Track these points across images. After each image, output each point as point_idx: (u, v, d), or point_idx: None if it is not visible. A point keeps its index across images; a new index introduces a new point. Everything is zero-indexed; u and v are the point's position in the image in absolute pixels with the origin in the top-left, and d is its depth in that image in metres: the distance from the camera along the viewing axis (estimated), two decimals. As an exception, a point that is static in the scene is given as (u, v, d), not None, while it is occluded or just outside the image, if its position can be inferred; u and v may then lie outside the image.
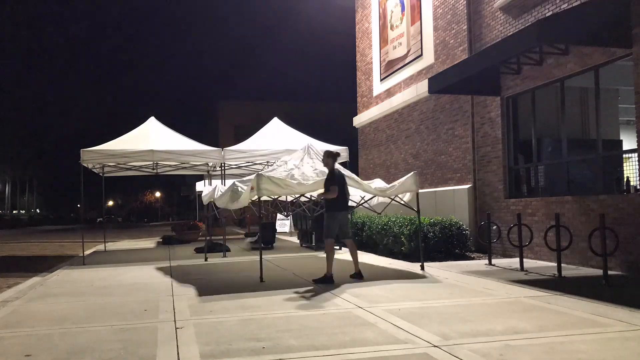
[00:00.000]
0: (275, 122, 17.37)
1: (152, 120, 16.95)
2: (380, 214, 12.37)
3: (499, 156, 13.02)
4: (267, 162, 17.74)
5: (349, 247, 9.77)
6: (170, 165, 18.01)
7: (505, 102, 12.91)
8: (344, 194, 9.43)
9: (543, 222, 11.31)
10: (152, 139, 15.29)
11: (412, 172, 10.72)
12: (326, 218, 9.40)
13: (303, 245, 17.66)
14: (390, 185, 10.84)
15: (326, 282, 9.08)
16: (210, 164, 17.34)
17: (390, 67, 19.18)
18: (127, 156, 14.32)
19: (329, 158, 9.49)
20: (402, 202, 11.09)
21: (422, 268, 10.54)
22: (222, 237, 15.53)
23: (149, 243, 22.65)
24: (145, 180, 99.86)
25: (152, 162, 17.31)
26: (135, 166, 17.64)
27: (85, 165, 14.27)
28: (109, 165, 17.12)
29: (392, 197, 10.91)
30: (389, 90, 19.36)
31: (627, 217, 9.38)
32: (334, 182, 9.32)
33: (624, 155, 10.18)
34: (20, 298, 8.51)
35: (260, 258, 9.86)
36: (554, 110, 11.57)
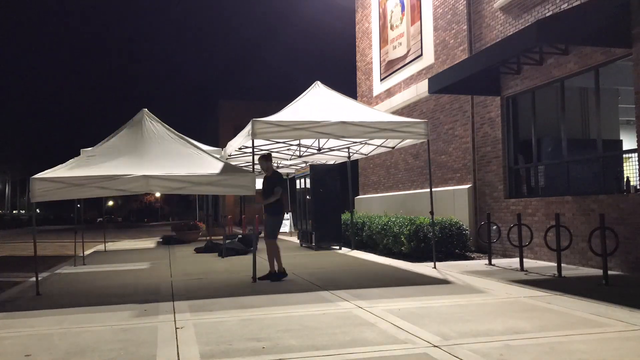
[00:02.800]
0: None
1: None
2: (393, 148, 13.72)
3: (499, 156, 13.01)
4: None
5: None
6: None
7: (506, 102, 12.91)
8: (288, 197, 10.52)
9: (543, 222, 11.31)
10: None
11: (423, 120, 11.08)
12: (273, 221, 9.63)
13: (303, 245, 17.65)
14: (400, 120, 11.10)
15: (276, 278, 9.50)
16: None
17: (390, 67, 19.18)
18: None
19: (267, 162, 9.80)
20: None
21: (435, 267, 10.54)
22: (222, 237, 15.48)
23: (149, 243, 22.62)
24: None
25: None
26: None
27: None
28: None
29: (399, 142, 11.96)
30: (389, 90, 19.36)
31: (627, 217, 9.38)
32: (279, 184, 9.65)
33: (624, 155, 10.17)
34: (20, 298, 8.52)
35: (254, 259, 9.86)
36: (554, 110, 11.57)
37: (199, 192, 9.67)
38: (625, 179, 9.96)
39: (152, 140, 10.56)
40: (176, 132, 11.14)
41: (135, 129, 10.82)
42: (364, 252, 14.56)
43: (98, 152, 10.27)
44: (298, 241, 18.73)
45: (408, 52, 17.76)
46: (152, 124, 11.02)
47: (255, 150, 11.24)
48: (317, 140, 13.94)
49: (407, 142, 12.82)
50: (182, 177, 9.17)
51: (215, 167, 9.72)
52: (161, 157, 9.99)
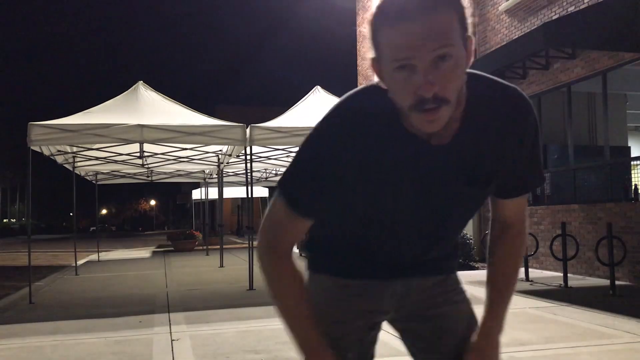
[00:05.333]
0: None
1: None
2: None
3: (504, 162, 12.84)
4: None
5: None
6: (165, 173, 17.62)
7: (511, 107, 12.74)
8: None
9: (549, 231, 11.14)
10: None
11: None
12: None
13: (302, 254, 17.41)
14: None
15: None
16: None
17: (393, 72, 19.03)
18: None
19: None
20: None
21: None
22: (219, 246, 15.33)
23: (143, 252, 22.50)
24: (140, 188, 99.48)
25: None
26: (129, 174, 17.30)
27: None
28: (101, 173, 16.62)
29: None
30: (392, 96, 19.23)
31: (635, 226, 9.21)
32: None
33: (632, 163, 10.03)
34: (11, 309, 8.38)
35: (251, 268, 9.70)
36: (561, 116, 11.42)
37: (191, 142, 10.11)
38: (633, 187, 9.82)
39: (147, 102, 10.93)
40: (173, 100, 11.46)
41: (131, 95, 11.21)
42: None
43: (95, 110, 10.56)
44: (297, 251, 18.51)
45: (412, 57, 17.60)
46: (147, 92, 11.33)
47: (252, 157, 11.04)
48: (318, 146, 13.69)
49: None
50: (176, 126, 9.43)
51: (207, 121, 10.27)
52: (156, 113, 10.24)
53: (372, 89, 1.49)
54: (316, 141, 1.47)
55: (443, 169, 1.47)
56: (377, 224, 1.59)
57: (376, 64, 1.44)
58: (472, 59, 1.37)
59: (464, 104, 1.42)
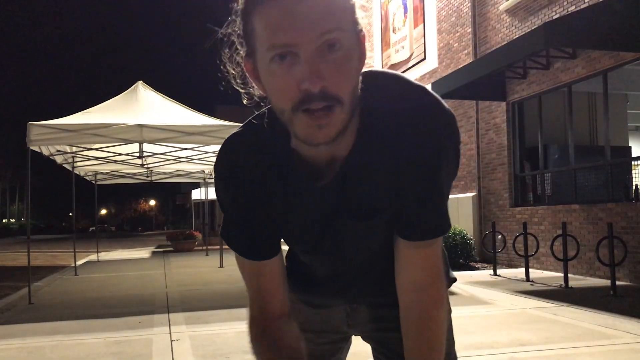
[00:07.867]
0: None
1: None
2: None
3: (505, 163, 12.83)
4: None
5: None
6: (165, 173, 17.58)
7: (511, 107, 12.74)
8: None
9: (549, 231, 11.12)
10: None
11: None
12: None
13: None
14: None
15: None
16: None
17: (393, 72, 19.02)
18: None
19: None
20: None
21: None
22: (218, 246, 15.30)
23: (143, 253, 22.46)
24: (140, 189, 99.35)
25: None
26: (128, 174, 17.26)
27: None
28: (101, 173, 16.58)
29: None
30: (392, 96, 19.20)
31: (636, 226, 9.19)
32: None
33: (632, 163, 10.01)
34: (10, 310, 8.36)
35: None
36: (561, 115, 11.41)
37: (191, 142, 10.09)
38: (634, 187, 9.80)
39: (146, 101, 10.95)
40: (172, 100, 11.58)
41: (131, 95, 11.24)
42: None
43: (94, 110, 10.57)
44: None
45: (411, 56, 17.60)
46: (146, 92, 11.38)
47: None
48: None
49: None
50: (175, 126, 9.45)
51: (207, 121, 10.32)
52: (155, 113, 10.30)
53: (258, 121, 1.38)
54: (216, 186, 1.38)
55: (328, 204, 1.28)
56: (300, 254, 1.52)
57: (250, 61, 1.16)
58: (365, 60, 1.17)
59: (358, 118, 1.19)
